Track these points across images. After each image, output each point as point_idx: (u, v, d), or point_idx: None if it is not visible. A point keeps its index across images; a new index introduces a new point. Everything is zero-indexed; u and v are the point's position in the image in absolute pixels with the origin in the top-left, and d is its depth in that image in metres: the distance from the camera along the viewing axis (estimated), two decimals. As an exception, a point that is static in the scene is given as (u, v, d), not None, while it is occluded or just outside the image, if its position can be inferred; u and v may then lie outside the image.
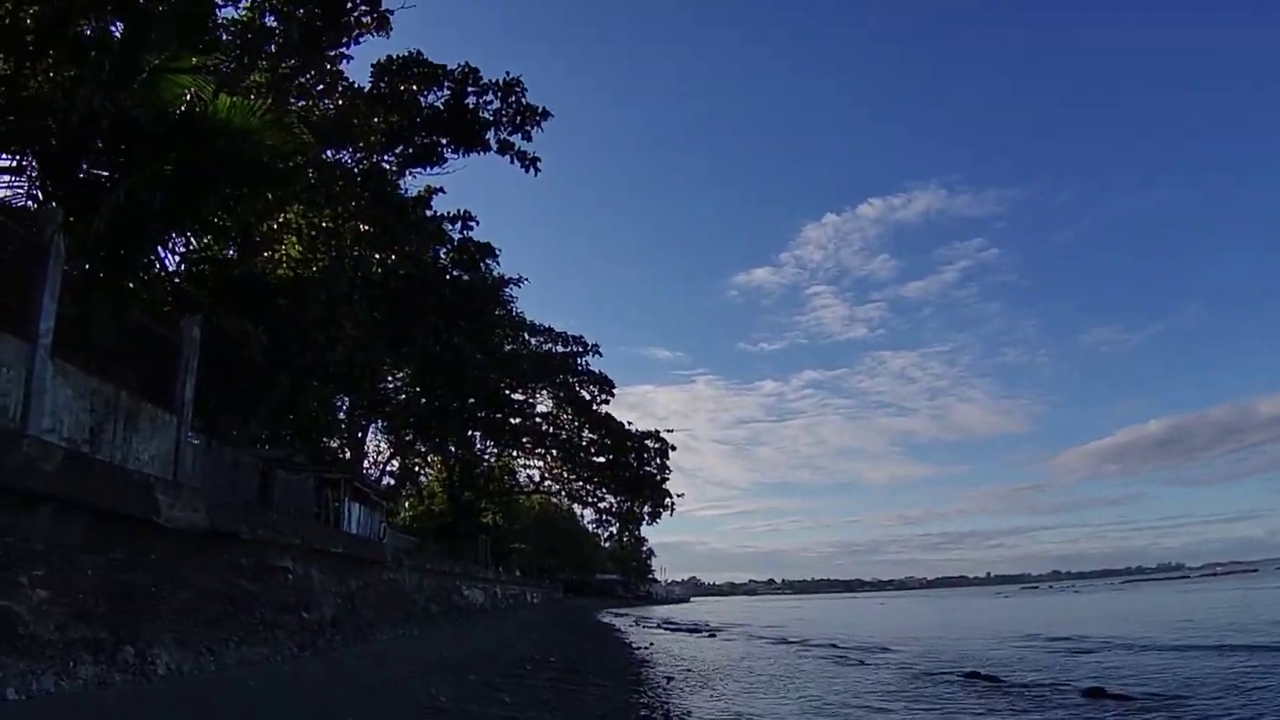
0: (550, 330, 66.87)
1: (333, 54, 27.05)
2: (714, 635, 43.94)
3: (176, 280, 24.74)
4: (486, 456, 73.67)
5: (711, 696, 17.33)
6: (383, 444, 65.09)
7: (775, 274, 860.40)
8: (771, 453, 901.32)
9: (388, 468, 64.86)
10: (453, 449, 66.90)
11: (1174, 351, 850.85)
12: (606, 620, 57.46)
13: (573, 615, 61.63)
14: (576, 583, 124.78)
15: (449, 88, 27.95)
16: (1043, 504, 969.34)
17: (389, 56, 27.95)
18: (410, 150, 28.65)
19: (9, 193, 14.42)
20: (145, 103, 14.48)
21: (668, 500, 76.44)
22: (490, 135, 28.22)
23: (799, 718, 14.97)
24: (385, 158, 28.69)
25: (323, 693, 12.40)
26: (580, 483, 77.43)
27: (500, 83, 27.94)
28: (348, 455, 50.84)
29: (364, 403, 46.91)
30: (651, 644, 33.98)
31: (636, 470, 73.55)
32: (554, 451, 74.25)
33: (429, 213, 29.63)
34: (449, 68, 27.81)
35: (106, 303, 14.14)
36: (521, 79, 27.87)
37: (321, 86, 27.80)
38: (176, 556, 13.35)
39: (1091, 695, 16.35)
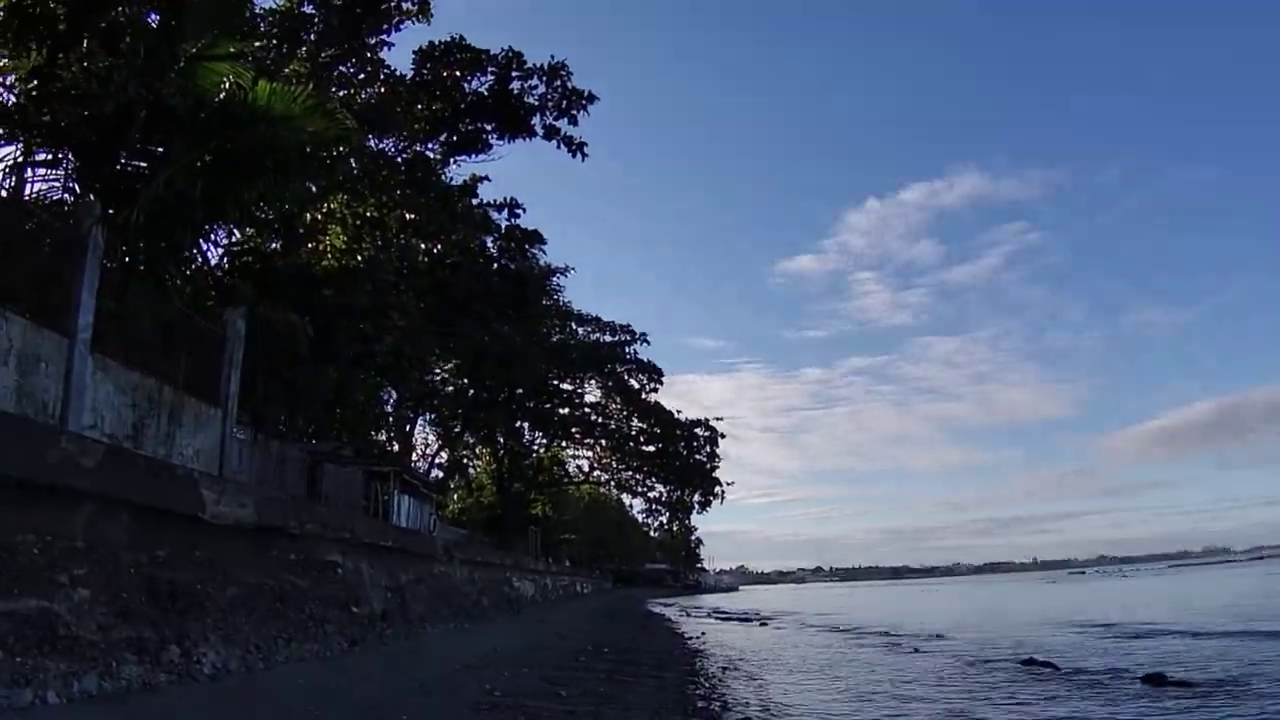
0: (597, 320, 66.62)
1: (373, 41, 26.75)
2: (765, 624, 43.41)
3: (219, 273, 24.62)
4: (535, 447, 73.48)
5: (769, 686, 16.94)
6: (431, 436, 65.24)
7: (819, 261, 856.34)
8: (817, 440, 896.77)
9: (436, 460, 64.89)
10: (501, 440, 66.77)
11: (1222, 331, 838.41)
12: (657, 610, 57.01)
13: (623, 606, 61.24)
14: (625, 573, 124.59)
15: (493, 73, 27.56)
16: (1089, 488, 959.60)
17: (431, 42, 27.66)
18: (454, 138, 28.32)
19: (45, 186, 14.21)
20: (183, 91, 14.22)
21: (717, 489, 76.00)
22: (536, 121, 27.86)
23: (858, 706, 14.52)
24: (429, 146, 28.38)
25: (374, 689, 12.11)
26: (629, 472, 77.17)
27: (545, 67, 27.50)
28: (396, 448, 50.84)
29: (411, 395, 46.80)
30: (703, 634, 33.60)
31: (686, 459, 73.14)
32: (603, 441, 74.03)
33: (474, 201, 29.27)
34: (492, 52, 27.46)
35: (147, 295, 13.90)
36: (566, 63, 27.49)
37: (363, 75, 27.51)
38: (223, 552, 13.10)
39: (1151, 682, 16.04)
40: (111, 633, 9.87)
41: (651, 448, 73.34)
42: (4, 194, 11.81)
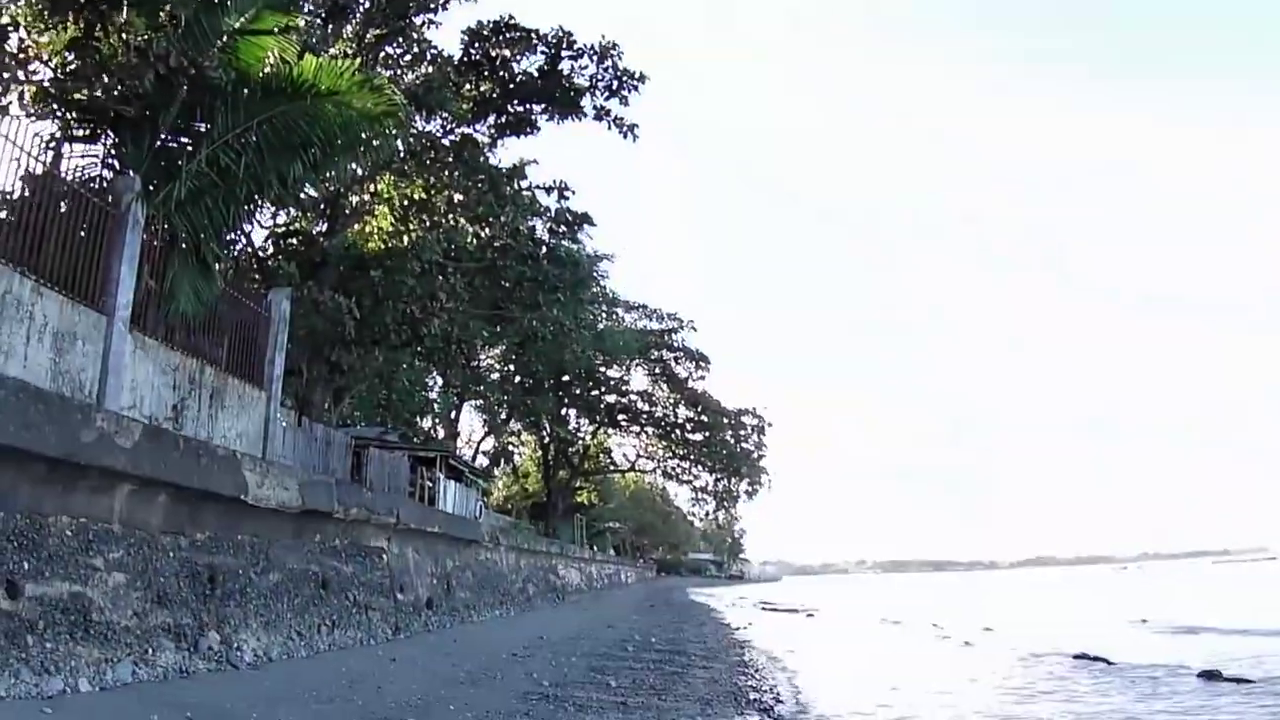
0: (644, 307, 66.17)
1: (420, 21, 26.37)
2: (812, 616, 42.96)
3: (264, 254, 24.43)
4: (581, 435, 73.19)
5: (820, 679, 16.54)
6: (476, 423, 65.16)
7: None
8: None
9: (481, 447, 64.81)
10: (547, 427, 66.54)
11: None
12: (701, 600, 56.61)
13: (668, 595, 61.04)
14: (668, 562, 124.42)
15: (543, 53, 27.06)
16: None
17: (480, 22, 27.26)
18: (503, 119, 27.93)
19: (84, 162, 13.92)
20: (225, 65, 13.89)
21: (765, 478, 75.35)
22: (586, 101, 27.40)
23: (913, 700, 14.05)
24: (476, 128, 28.00)
25: (419, 679, 11.85)
26: (675, 460, 76.58)
27: (596, 47, 27.01)
28: (441, 434, 50.76)
29: (458, 380, 46.65)
30: (750, 624, 33.29)
31: (733, 447, 72.51)
32: (649, 429, 73.53)
33: (524, 183, 28.88)
34: (542, 32, 27.00)
35: (189, 274, 13.58)
36: (617, 43, 27.00)
37: (410, 56, 27.15)
38: (265, 537, 12.84)
39: (1208, 678, 15.70)
40: (148, 619, 9.59)
41: (698, 436, 72.76)
42: (41, 169, 11.49)
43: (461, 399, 54.72)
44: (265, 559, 12.56)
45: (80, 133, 14.19)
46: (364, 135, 15.95)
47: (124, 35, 13.55)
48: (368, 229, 27.05)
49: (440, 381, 47.08)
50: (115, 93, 13.47)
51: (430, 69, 26.50)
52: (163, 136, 13.79)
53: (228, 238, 18.36)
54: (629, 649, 19.00)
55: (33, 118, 13.39)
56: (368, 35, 25.59)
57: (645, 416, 71.87)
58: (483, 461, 60.65)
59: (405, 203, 27.25)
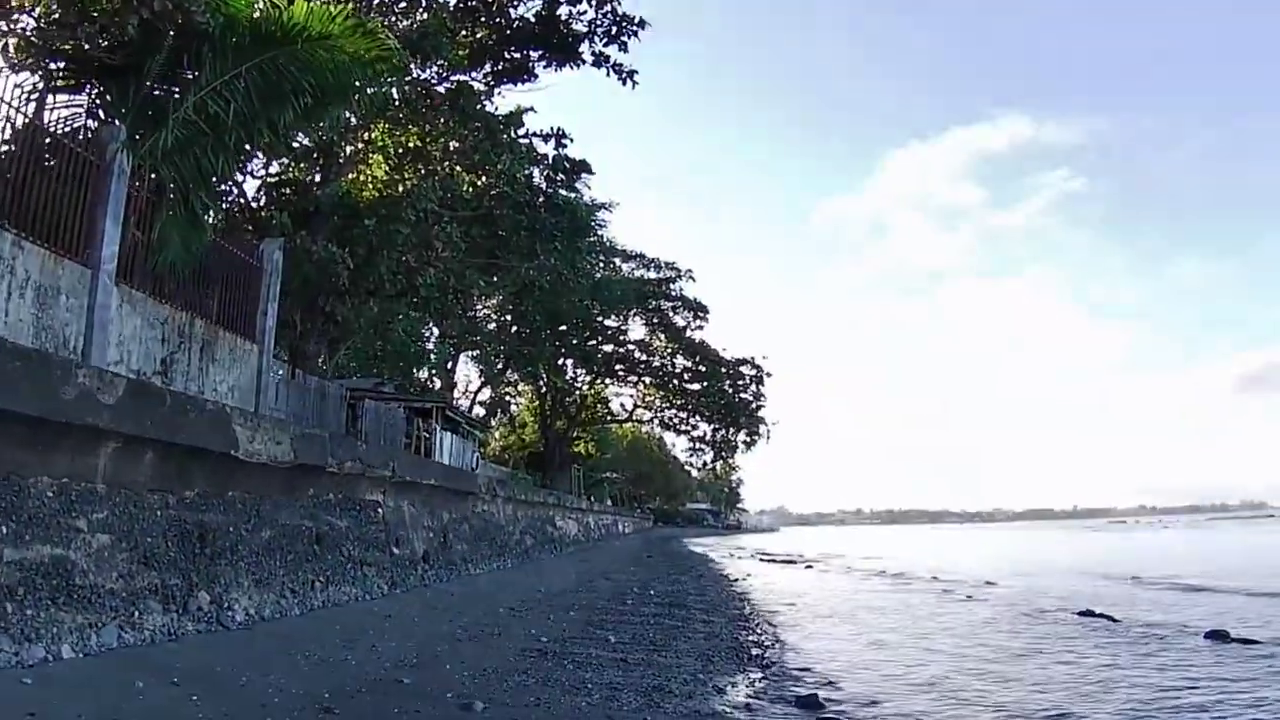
0: (642, 256, 65.81)
1: (415, -37, 25.77)
2: (810, 567, 42.98)
3: (256, 205, 24.03)
4: (578, 385, 72.99)
5: (820, 633, 16.45)
6: (473, 373, 65.00)
7: (858, 202, 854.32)
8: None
9: (478, 398, 64.67)
10: (544, 377, 66.32)
11: (1265, 284, 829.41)
12: (699, 551, 56.69)
13: (665, 546, 61.20)
14: (666, 512, 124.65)
15: (540, -4, 26.54)
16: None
17: (474, -36, 26.63)
18: (500, 66, 27.37)
19: (69, 113, 13.56)
20: (213, 10, 13.47)
21: (763, 428, 75.19)
22: (584, 48, 26.84)
23: (920, 656, 13.90)
24: (473, 75, 27.45)
25: (417, 636, 11.74)
26: (673, 411, 76.43)
27: (595, -10, 26.41)
28: (437, 385, 50.56)
29: (454, 330, 46.35)
30: (749, 576, 33.30)
31: (731, 397, 72.33)
32: (646, 379, 73.33)
33: (520, 131, 28.37)
34: (539, -26, 26.38)
35: (178, 226, 13.28)
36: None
37: (404, 3, 26.58)
38: (257, 493, 12.60)
39: (1215, 638, 15.64)
40: (134, 581, 9.35)
41: (696, 386, 72.57)
42: (23, 120, 11.15)
43: (458, 349, 54.55)
44: (257, 515, 12.33)
45: (64, 83, 13.79)
46: (357, 82, 15.66)
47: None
48: (362, 178, 26.60)
49: (436, 332, 46.88)
50: (100, 41, 13.06)
51: (425, 14, 25.93)
52: (149, 85, 13.41)
53: (218, 188, 18.00)
54: (628, 602, 18.97)
55: (15, 69, 13.00)
56: (359, -21, 25.04)
57: (643, 366, 71.66)
58: (479, 412, 60.59)
59: (400, 151, 26.78)
